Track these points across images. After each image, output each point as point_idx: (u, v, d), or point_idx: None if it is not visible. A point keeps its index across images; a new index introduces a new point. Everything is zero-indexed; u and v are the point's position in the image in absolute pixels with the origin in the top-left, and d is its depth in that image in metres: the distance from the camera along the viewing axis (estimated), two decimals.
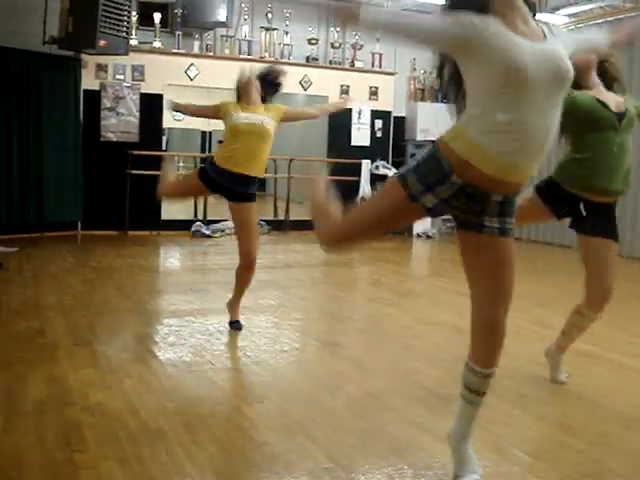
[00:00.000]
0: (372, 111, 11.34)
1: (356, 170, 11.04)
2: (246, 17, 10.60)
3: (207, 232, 10.03)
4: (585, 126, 3.57)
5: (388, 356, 4.39)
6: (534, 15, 2.41)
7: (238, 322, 4.81)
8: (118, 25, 8.66)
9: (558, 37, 2.42)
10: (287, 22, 10.66)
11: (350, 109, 10.93)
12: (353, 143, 11.33)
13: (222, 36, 10.51)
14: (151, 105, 9.95)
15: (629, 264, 8.85)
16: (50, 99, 8.96)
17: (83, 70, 9.47)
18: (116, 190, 9.72)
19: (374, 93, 11.39)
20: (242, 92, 4.77)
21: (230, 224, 5.07)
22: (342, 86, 11.07)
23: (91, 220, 9.48)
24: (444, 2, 2.41)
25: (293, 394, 3.63)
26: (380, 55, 11.31)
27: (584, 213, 3.62)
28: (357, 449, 2.92)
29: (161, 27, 10.04)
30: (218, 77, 10.06)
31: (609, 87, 3.67)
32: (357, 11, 2.33)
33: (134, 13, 9.47)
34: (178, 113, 5.62)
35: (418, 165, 2.40)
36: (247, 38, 10.63)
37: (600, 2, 10.47)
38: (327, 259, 8.95)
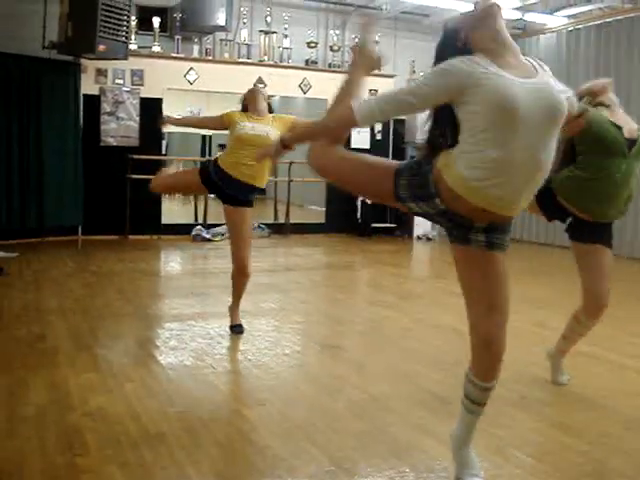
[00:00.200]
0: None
1: None
2: (245, 21, 10.62)
3: (207, 236, 10.04)
4: (594, 147, 3.51)
5: (388, 359, 4.39)
6: None
7: (239, 326, 4.81)
8: (117, 30, 8.68)
9: (547, 72, 2.40)
10: (286, 25, 10.68)
11: None
12: (353, 146, 11.33)
13: (221, 40, 10.53)
14: (151, 109, 9.95)
15: (629, 264, 8.85)
16: (50, 104, 8.97)
17: (83, 75, 9.48)
18: (116, 195, 9.74)
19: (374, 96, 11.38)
20: (249, 103, 4.77)
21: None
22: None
23: (91, 225, 9.49)
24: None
25: (294, 397, 3.63)
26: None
27: (568, 222, 3.66)
28: (358, 452, 2.92)
29: (160, 31, 10.06)
30: (217, 81, 10.09)
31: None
32: (353, 115, 2.36)
33: (133, 18, 9.49)
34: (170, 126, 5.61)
35: (411, 174, 2.42)
36: (246, 42, 10.65)
37: (599, 3, 10.49)
38: (328, 262, 8.97)
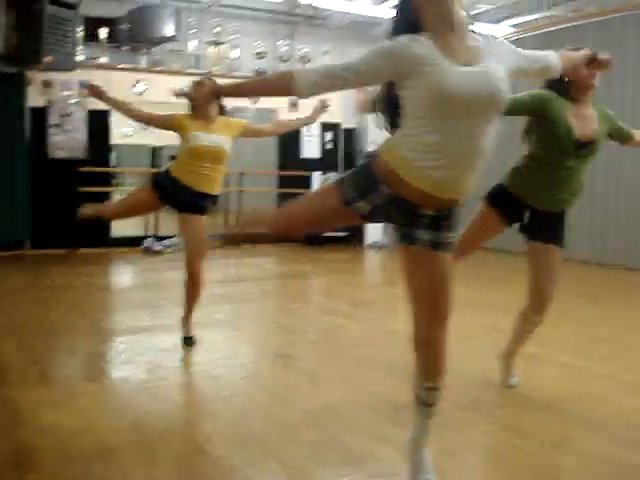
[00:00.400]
0: (321, 123, 11.40)
1: (307, 182, 11.10)
2: (194, 32, 10.59)
3: (158, 248, 9.96)
4: (544, 135, 3.54)
5: (342, 367, 4.41)
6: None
7: (192, 337, 4.78)
8: (64, 41, 8.57)
9: (497, 53, 2.39)
10: (234, 36, 10.68)
11: None
12: (303, 155, 11.39)
13: (170, 51, 10.48)
14: (99, 121, 9.87)
15: (579, 267, 9.02)
16: None
17: (29, 87, 9.35)
18: (64, 208, 9.60)
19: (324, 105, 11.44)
20: (198, 108, 4.57)
21: (181, 239, 4.95)
22: (290, 99, 11.11)
23: (40, 239, 9.35)
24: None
25: (248, 407, 3.63)
26: None
27: (525, 220, 3.70)
28: (313, 460, 2.93)
29: (108, 42, 9.97)
30: (167, 92, 9.99)
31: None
32: (293, 80, 2.33)
33: (80, 29, 9.38)
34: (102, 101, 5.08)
35: (354, 173, 2.47)
36: (195, 53, 10.62)
37: (544, 12, 10.72)
38: (279, 272, 8.97)
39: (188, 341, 4.75)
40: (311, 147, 11.36)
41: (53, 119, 9.65)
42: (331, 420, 3.41)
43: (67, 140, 9.73)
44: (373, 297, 7.25)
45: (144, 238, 10.19)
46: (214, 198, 4.64)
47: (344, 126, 11.72)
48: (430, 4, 2.30)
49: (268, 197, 11.57)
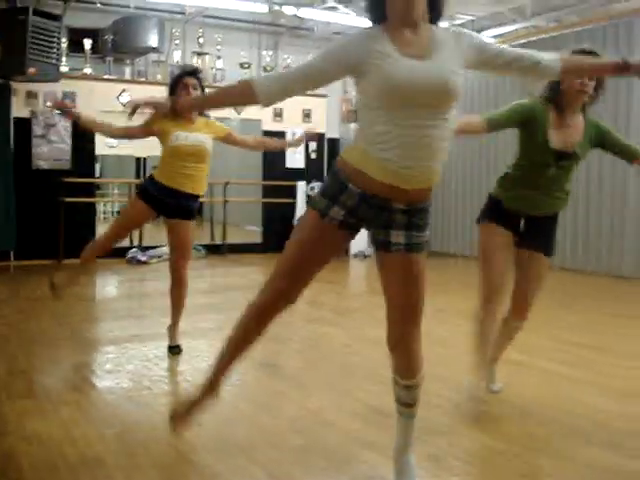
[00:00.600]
0: (306, 133, 11.43)
1: (292, 192, 11.13)
2: (177, 42, 10.61)
3: (143, 258, 9.94)
4: (524, 146, 3.58)
5: (327, 374, 4.44)
6: (436, 20, 2.42)
7: (178, 347, 4.78)
8: (48, 52, 8.60)
9: (457, 46, 2.38)
10: (219, 47, 10.71)
11: (284, 132, 11.00)
12: (288, 165, 11.41)
13: (154, 61, 10.50)
14: (83, 132, 9.85)
15: (559, 274, 9.08)
16: None
17: (13, 98, 9.35)
18: (49, 218, 9.59)
19: (307, 115, 11.51)
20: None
21: (166, 249, 4.91)
22: (275, 109, 11.16)
23: (24, 250, 9.33)
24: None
25: (233, 416, 3.64)
26: None
27: (521, 229, 3.65)
28: (297, 466, 2.95)
29: (92, 53, 9.98)
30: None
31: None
32: (252, 89, 2.40)
33: (64, 39, 9.40)
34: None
35: (321, 186, 2.51)
36: (179, 63, 10.64)
37: (525, 22, 10.81)
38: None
39: (174, 350, 4.75)
40: (295, 157, 11.39)
41: (37, 130, 9.64)
42: (316, 427, 3.43)
43: (52, 151, 9.72)
44: (357, 305, 7.28)
45: (129, 249, 10.18)
46: (199, 198, 4.63)
47: (328, 136, 11.76)
48: None
49: (253, 207, 11.59)
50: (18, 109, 9.46)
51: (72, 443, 3.15)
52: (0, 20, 8.42)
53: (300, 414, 3.64)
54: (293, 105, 11.24)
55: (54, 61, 8.79)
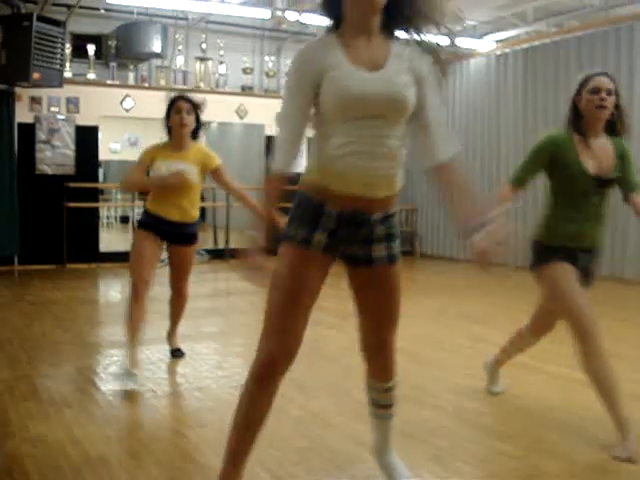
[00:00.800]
0: (307, 138, 11.46)
1: (293, 196, 11.15)
2: (180, 48, 10.66)
3: None
4: (562, 182, 3.35)
5: (329, 376, 4.46)
6: (392, 31, 2.33)
7: (179, 350, 4.81)
8: (52, 57, 8.65)
9: (411, 64, 2.32)
10: (221, 52, 10.76)
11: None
12: (297, 170, 11.42)
13: (157, 67, 10.56)
14: (86, 137, 9.92)
15: None
16: None
17: (17, 103, 9.40)
18: (53, 223, 9.64)
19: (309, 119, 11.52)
20: (174, 132, 4.36)
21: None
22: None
23: (28, 254, 9.37)
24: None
25: None
26: None
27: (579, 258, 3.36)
28: (300, 466, 2.97)
29: (95, 59, 10.04)
30: (154, 108, 10.04)
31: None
32: (283, 176, 2.39)
33: (68, 45, 9.46)
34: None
35: (293, 216, 2.40)
36: (182, 68, 10.69)
37: (526, 27, 10.85)
38: None
39: (176, 353, 4.78)
40: (298, 162, 11.41)
41: (41, 135, 9.68)
42: (318, 428, 3.46)
43: (55, 156, 9.76)
44: None
45: None
46: (192, 229, 4.50)
47: None
48: (351, 3, 2.24)
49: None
50: (22, 114, 9.51)
51: (76, 444, 3.18)
52: (4, 26, 8.48)
53: (302, 416, 3.66)
54: None
55: (58, 67, 8.84)
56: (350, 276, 2.51)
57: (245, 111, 11.03)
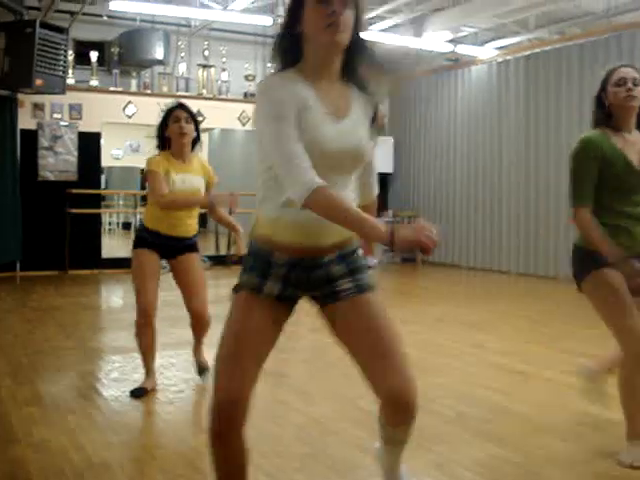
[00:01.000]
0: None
1: None
2: (183, 55, 10.70)
3: None
4: (605, 182, 3.09)
5: (331, 384, 4.47)
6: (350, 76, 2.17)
7: (203, 365, 4.48)
8: (55, 64, 8.68)
9: (366, 109, 2.18)
10: (224, 59, 10.80)
11: None
12: None
13: (159, 74, 10.59)
14: (89, 144, 9.96)
15: (556, 284, 9.11)
16: None
17: (20, 109, 9.43)
18: (55, 229, 9.66)
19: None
20: (172, 140, 4.13)
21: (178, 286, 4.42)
22: None
23: (30, 260, 9.39)
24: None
25: None
26: None
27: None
28: (301, 473, 2.99)
29: (98, 65, 10.09)
30: (156, 114, 10.10)
31: None
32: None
33: (70, 52, 9.50)
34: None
35: (245, 265, 2.24)
36: (184, 75, 10.73)
37: (528, 34, 10.89)
38: None
39: (203, 372, 4.47)
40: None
41: (44, 141, 9.71)
42: (320, 434, 3.47)
43: (58, 162, 9.79)
44: None
45: None
46: (191, 244, 4.30)
47: None
48: (313, 40, 2.08)
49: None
50: (25, 121, 9.55)
51: (78, 449, 3.19)
52: (8, 33, 8.52)
53: (304, 422, 3.67)
54: None
55: (61, 73, 8.88)
56: (325, 318, 2.28)
57: (247, 118, 11.05)
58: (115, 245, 12.68)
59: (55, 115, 9.79)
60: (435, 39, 10.58)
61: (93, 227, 10.19)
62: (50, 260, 9.66)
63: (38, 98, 9.49)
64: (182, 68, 10.71)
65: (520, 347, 5.34)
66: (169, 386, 4.40)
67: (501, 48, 11.24)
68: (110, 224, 15.66)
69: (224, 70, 10.89)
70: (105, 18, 10.04)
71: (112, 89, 10.17)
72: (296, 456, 3.18)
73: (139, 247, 4.22)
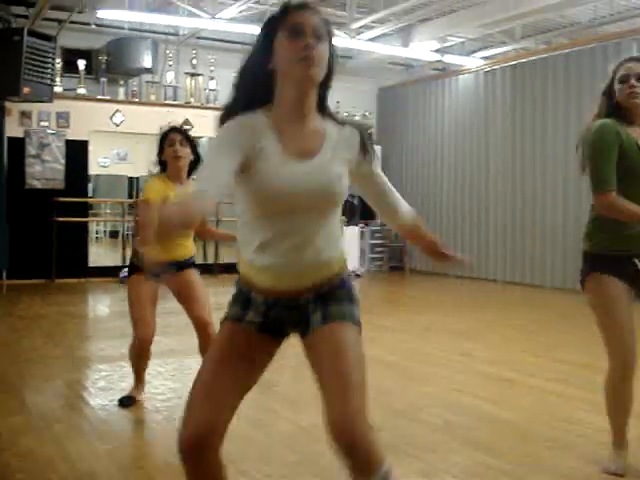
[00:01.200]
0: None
1: None
2: (171, 63, 10.71)
3: None
4: (622, 168, 2.99)
5: (318, 392, 4.45)
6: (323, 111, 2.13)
7: None
8: (42, 72, 8.67)
9: (346, 144, 2.11)
10: (212, 68, 10.81)
11: None
12: None
13: (147, 82, 10.59)
14: (76, 152, 9.94)
15: (551, 294, 9.14)
16: None
17: (7, 117, 9.41)
18: (42, 238, 9.62)
19: None
20: (169, 163, 4.06)
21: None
22: None
23: (17, 269, 9.34)
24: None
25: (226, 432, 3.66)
26: None
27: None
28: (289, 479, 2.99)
29: (86, 74, 10.08)
30: (144, 123, 10.11)
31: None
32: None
33: (58, 60, 9.49)
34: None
35: (231, 297, 2.23)
36: (172, 84, 10.73)
37: (515, 44, 10.96)
38: None
39: None
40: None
41: (31, 149, 9.69)
42: (308, 443, 3.46)
43: (45, 170, 9.78)
44: None
45: (122, 268, 10.18)
46: (188, 264, 4.17)
47: None
48: (286, 75, 2.02)
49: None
50: (12, 129, 9.52)
51: (65, 459, 3.18)
52: None
53: (291, 430, 3.67)
54: None
55: (48, 81, 8.87)
56: (304, 348, 2.19)
57: None
58: (102, 253, 12.63)
59: (42, 123, 9.77)
60: (422, 49, 10.64)
61: (80, 235, 10.17)
62: (37, 268, 9.62)
63: (26, 106, 9.47)
64: (170, 76, 10.72)
65: (507, 355, 5.36)
66: (156, 395, 4.39)
67: (488, 58, 11.32)
68: (97, 232, 15.59)
69: (212, 79, 10.90)
70: (93, 26, 10.03)
71: (100, 97, 10.17)
72: (284, 464, 3.18)
73: (136, 273, 4.07)
